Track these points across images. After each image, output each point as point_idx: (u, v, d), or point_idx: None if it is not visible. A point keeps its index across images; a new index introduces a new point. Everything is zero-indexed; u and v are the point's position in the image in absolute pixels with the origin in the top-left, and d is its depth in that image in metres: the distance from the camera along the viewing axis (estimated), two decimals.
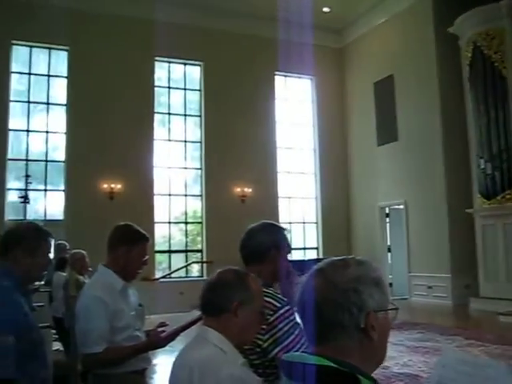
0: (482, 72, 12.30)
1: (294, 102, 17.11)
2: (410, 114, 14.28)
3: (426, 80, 13.82)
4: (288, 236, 2.49)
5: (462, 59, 12.89)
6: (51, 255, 2.53)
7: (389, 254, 15.34)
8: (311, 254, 16.39)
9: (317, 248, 16.70)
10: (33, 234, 2.47)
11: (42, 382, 2.33)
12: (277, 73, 16.36)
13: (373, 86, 15.77)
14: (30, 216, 12.78)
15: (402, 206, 14.81)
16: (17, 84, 14.01)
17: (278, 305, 2.17)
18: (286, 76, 16.84)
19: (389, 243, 15.47)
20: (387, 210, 15.54)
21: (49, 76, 14.21)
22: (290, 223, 16.01)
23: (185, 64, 15.69)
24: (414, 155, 14.12)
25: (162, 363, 6.74)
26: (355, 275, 1.28)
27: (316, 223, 16.84)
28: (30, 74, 14.01)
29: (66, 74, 14.11)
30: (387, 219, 15.56)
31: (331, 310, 1.24)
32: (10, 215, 12.80)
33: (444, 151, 13.31)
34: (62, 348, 6.80)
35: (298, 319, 1.57)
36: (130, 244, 2.87)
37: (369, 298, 1.26)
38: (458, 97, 12.96)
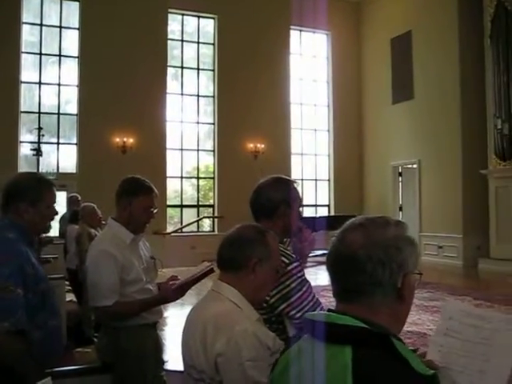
0: (504, 29, 12.00)
1: (309, 58, 16.85)
2: (428, 71, 13.94)
3: (445, 37, 13.43)
4: (298, 189, 2.38)
5: (484, 15, 12.55)
6: (57, 206, 2.44)
7: (400, 213, 15.31)
8: (322, 211, 16.42)
9: (328, 205, 16.70)
10: (34, 184, 2.37)
11: (53, 331, 2.33)
12: (292, 27, 16.03)
13: (390, 43, 15.43)
14: (43, 169, 12.83)
15: (415, 166, 14.69)
16: (28, 35, 13.82)
17: (286, 261, 2.12)
18: (300, 31, 16.52)
19: (400, 202, 15.44)
20: (400, 169, 15.44)
21: (60, 28, 13.98)
22: (302, 180, 15.98)
23: (198, 17, 15.37)
24: (429, 114, 13.88)
25: (173, 316, 6.86)
26: (396, 233, 1.25)
27: (328, 180, 16.80)
28: (41, 25, 13.80)
29: (77, 26, 13.91)
30: (400, 178, 15.48)
31: (372, 265, 1.20)
32: (23, 168, 12.84)
33: (461, 111, 13.03)
34: (75, 299, 6.90)
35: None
36: (131, 196, 2.82)
37: (408, 258, 1.24)
38: (478, 55, 12.69)
